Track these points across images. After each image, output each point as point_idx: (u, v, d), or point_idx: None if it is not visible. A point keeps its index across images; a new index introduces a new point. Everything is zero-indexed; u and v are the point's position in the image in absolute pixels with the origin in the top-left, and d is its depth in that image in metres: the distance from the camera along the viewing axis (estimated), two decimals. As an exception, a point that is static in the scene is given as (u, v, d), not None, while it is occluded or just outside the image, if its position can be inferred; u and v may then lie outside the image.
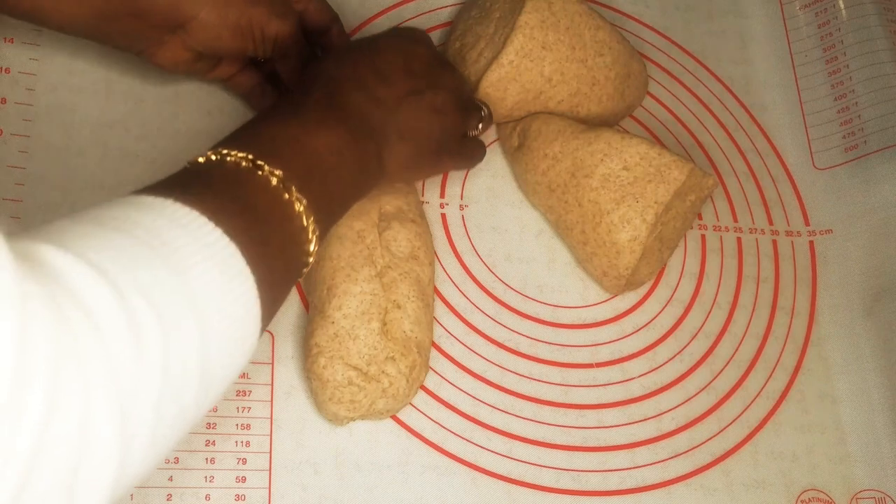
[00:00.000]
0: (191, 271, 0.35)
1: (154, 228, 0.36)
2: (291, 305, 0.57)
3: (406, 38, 0.57)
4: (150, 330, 0.32)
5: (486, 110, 0.61)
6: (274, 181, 0.42)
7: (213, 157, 0.43)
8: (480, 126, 0.61)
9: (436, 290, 0.60)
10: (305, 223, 0.43)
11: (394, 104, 0.52)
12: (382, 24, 0.67)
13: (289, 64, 0.58)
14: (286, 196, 0.42)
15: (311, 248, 0.44)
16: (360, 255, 0.55)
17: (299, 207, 0.43)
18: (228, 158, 0.42)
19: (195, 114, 0.60)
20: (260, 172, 0.42)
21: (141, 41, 0.54)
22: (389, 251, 0.56)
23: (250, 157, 0.42)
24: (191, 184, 0.41)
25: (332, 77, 0.52)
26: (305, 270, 0.45)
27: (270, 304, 0.41)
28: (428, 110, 0.54)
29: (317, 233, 0.44)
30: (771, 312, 0.66)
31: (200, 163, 0.43)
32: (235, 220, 0.38)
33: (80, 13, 0.52)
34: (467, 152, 0.61)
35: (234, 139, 0.46)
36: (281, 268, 0.42)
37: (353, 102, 0.50)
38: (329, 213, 0.47)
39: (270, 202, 0.42)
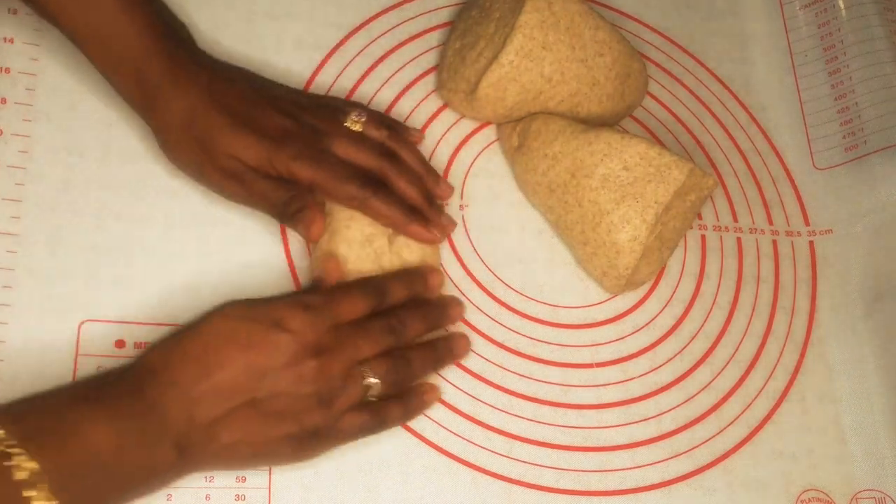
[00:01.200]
0: None
1: None
2: (291, 305, 0.57)
3: (256, 343, 0.48)
4: None
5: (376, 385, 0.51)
6: (23, 475, 0.39)
7: None
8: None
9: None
10: (29, 493, 0.39)
11: (217, 422, 0.46)
12: (382, 23, 0.67)
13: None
14: (5, 462, 0.39)
15: None
16: (368, 259, 0.56)
17: (23, 475, 0.39)
18: None
19: (195, 114, 0.60)
20: (7, 463, 0.39)
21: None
22: (400, 256, 0.57)
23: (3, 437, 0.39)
24: None
25: (152, 368, 0.46)
26: None
27: None
28: (269, 418, 0.47)
29: None
30: (771, 312, 0.66)
31: None
32: None
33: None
34: (347, 429, 0.51)
35: (23, 404, 0.43)
36: None
37: (162, 402, 0.45)
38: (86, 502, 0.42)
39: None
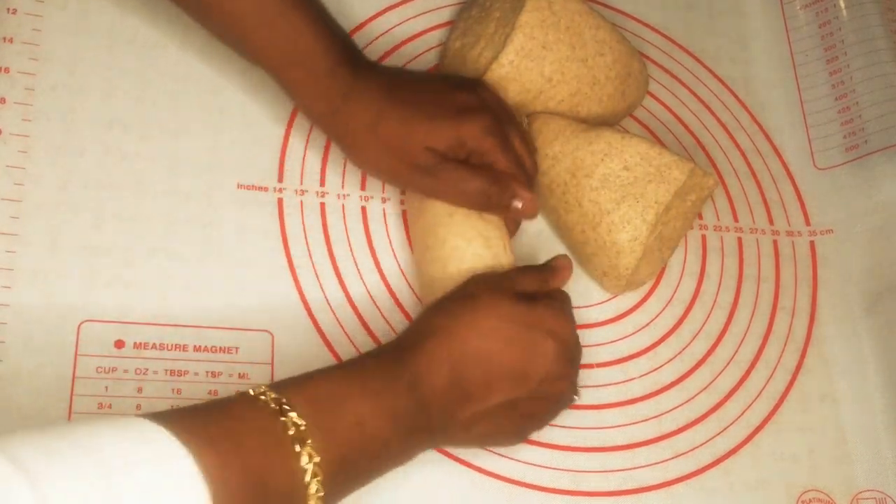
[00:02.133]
0: (117, 463, 0.34)
1: (110, 440, 0.35)
2: (290, 307, 0.57)
3: (555, 330, 0.51)
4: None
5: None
6: (292, 431, 0.40)
7: (252, 393, 0.42)
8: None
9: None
10: (308, 480, 0.40)
11: (477, 417, 0.49)
12: (382, 23, 0.67)
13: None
14: (297, 448, 0.40)
15: None
16: (487, 257, 0.56)
17: (306, 463, 0.40)
18: (262, 398, 0.41)
19: (196, 113, 0.60)
20: (283, 418, 0.41)
21: None
22: (511, 253, 0.57)
23: (283, 401, 0.41)
24: (206, 411, 0.41)
25: (429, 356, 0.48)
26: None
27: None
28: (517, 419, 0.52)
29: (321, 494, 0.41)
30: (771, 312, 0.66)
31: (242, 395, 0.42)
32: (217, 444, 0.37)
33: None
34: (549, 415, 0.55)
35: (300, 382, 0.44)
36: None
37: (434, 403, 0.47)
38: (344, 483, 0.44)
39: (275, 446, 0.40)
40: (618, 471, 0.58)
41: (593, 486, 0.57)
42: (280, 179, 0.60)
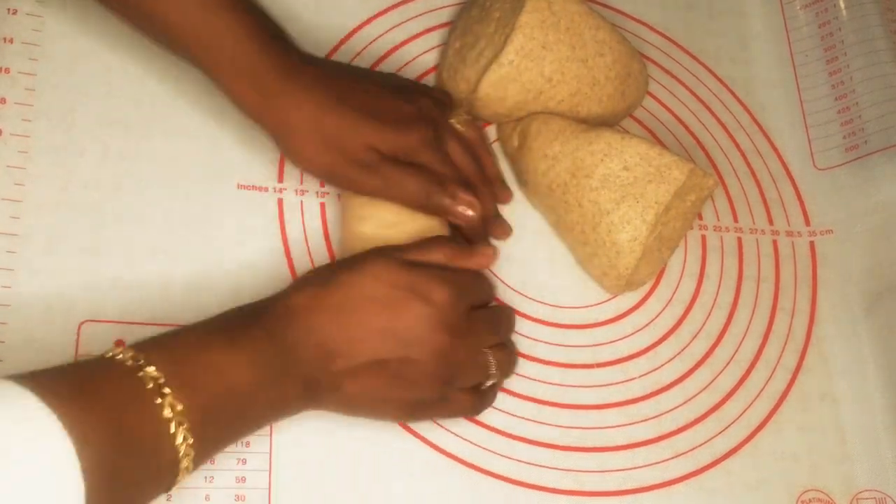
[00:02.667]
0: None
1: None
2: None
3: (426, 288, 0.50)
4: None
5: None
6: (150, 385, 0.41)
7: (109, 354, 0.43)
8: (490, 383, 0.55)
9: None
10: (173, 430, 0.41)
11: (345, 374, 0.49)
12: (383, 23, 0.67)
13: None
14: (157, 400, 0.41)
15: (182, 462, 0.42)
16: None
17: (168, 414, 0.41)
18: (118, 356, 0.42)
19: (196, 113, 0.60)
20: (140, 373, 0.42)
21: None
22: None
23: (140, 357, 0.42)
24: (70, 371, 0.42)
25: (290, 306, 0.48)
26: (175, 484, 0.43)
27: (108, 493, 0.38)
28: (389, 380, 0.50)
29: (190, 442, 0.42)
30: (771, 312, 0.66)
31: (101, 356, 0.43)
32: (76, 400, 0.38)
33: None
34: (454, 407, 0.54)
35: (160, 339, 0.45)
36: (131, 466, 0.40)
37: (297, 354, 0.47)
38: (215, 431, 0.45)
39: (134, 400, 0.41)
40: (618, 471, 0.58)
41: (593, 486, 0.57)
42: (280, 179, 0.60)
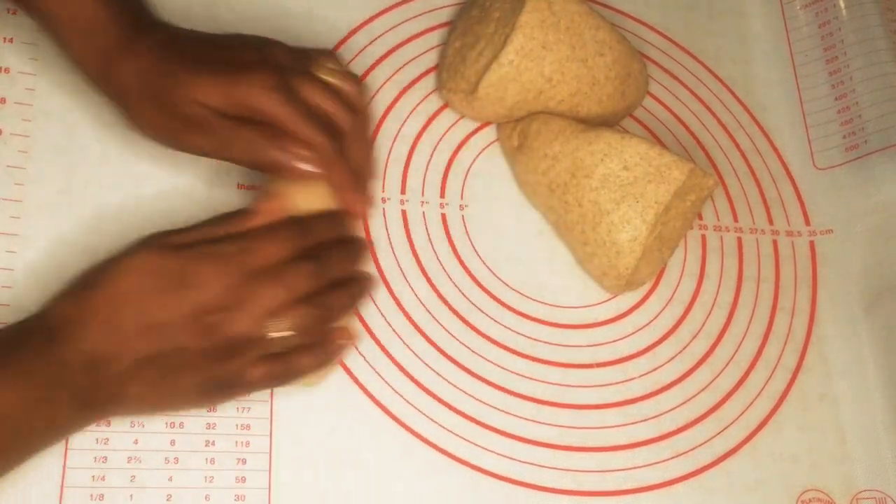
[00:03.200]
0: None
1: None
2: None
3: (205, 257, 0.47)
4: None
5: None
6: None
7: None
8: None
9: (437, 291, 0.60)
10: None
11: (121, 378, 0.45)
12: (383, 23, 0.67)
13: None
14: None
15: None
16: None
17: None
18: None
19: (195, 114, 0.60)
20: None
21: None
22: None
23: None
24: None
25: (57, 321, 0.45)
26: None
27: None
28: (174, 371, 0.46)
29: None
30: (771, 312, 0.66)
31: None
32: None
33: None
34: (250, 381, 0.49)
35: None
36: None
37: (66, 359, 0.44)
38: None
39: None
40: (618, 471, 0.58)
41: (593, 486, 0.57)
42: (280, 179, 0.60)
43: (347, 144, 0.53)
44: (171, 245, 0.48)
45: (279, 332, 0.48)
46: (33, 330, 0.46)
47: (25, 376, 0.44)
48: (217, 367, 0.47)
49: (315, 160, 0.51)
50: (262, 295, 0.47)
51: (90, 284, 0.47)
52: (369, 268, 0.58)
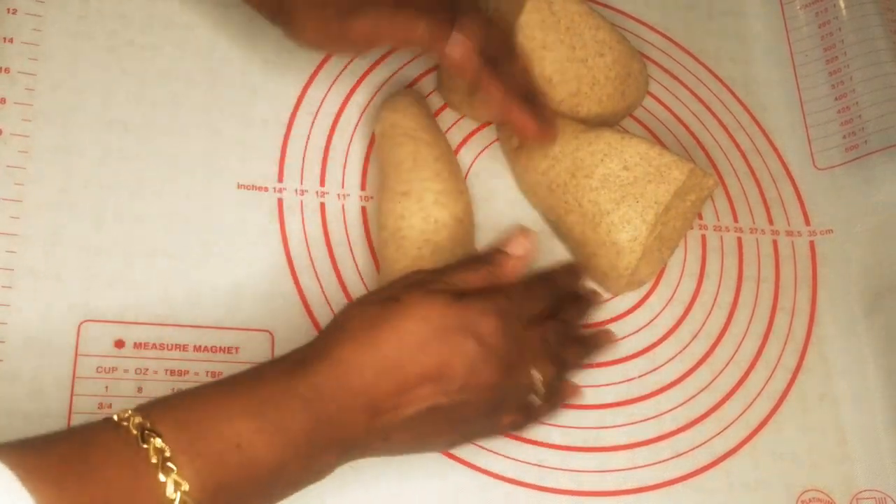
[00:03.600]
0: None
1: None
2: (290, 307, 0.57)
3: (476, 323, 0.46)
4: None
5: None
6: (154, 459, 0.37)
7: (115, 419, 0.38)
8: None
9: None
10: None
11: (394, 427, 0.45)
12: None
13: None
14: (161, 477, 0.37)
15: None
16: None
17: (171, 493, 0.36)
18: (124, 423, 0.38)
19: (196, 113, 0.60)
20: (145, 445, 0.37)
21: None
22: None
23: (147, 425, 0.37)
24: (64, 441, 0.37)
25: (331, 367, 0.43)
26: None
27: None
28: (441, 425, 0.47)
29: None
30: (771, 312, 0.66)
31: (105, 421, 0.39)
32: (65, 481, 0.34)
33: None
34: (498, 430, 0.52)
35: (171, 402, 0.40)
36: None
37: (339, 418, 0.43)
38: None
39: (133, 479, 0.36)
40: (618, 471, 0.58)
41: (593, 486, 0.57)
42: (280, 179, 0.60)
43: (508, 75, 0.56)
44: (448, 294, 0.47)
45: (537, 386, 0.50)
46: (303, 374, 0.43)
47: (292, 429, 0.41)
48: (478, 422, 0.49)
49: (469, 48, 0.53)
50: (529, 351, 0.49)
51: (371, 332, 0.45)
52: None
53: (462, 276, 0.49)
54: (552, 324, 0.52)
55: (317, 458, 0.43)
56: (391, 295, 0.47)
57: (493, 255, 0.52)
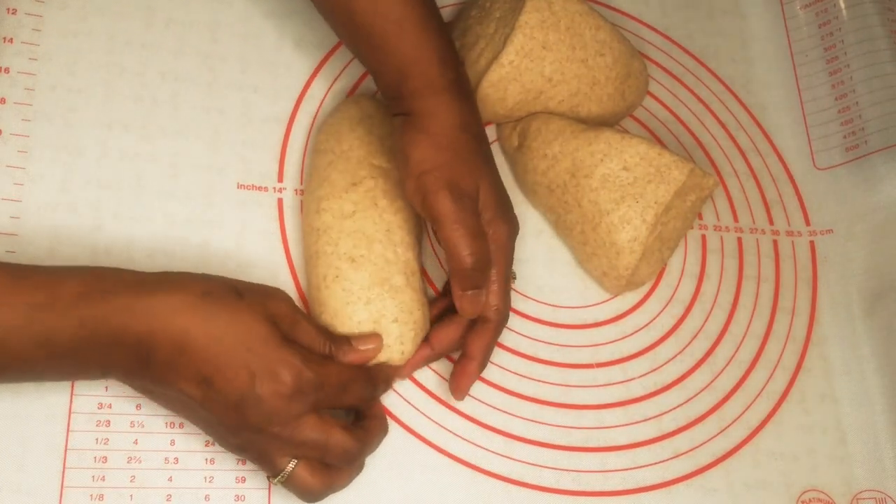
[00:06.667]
0: None
1: None
2: (291, 305, 0.57)
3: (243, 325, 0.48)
4: None
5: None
6: None
7: None
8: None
9: (436, 292, 0.60)
10: None
11: (156, 389, 0.48)
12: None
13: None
14: None
15: None
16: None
17: None
18: None
19: (196, 113, 0.60)
20: None
21: None
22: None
23: None
24: None
25: (166, 305, 0.47)
26: None
27: None
28: (197, 420, 0.49)
29: None
30: (771, 312, 0.66)
31: None
32: None
33: None
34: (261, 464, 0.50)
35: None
36: None
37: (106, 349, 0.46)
38: None
39: None
40: (618, 471, 0.58)
41: (593, 486, 0.57)
42: (280, 179, 0.60)
43: None
44: (281, 333, 0.48)
45: (277, 472, 0.49)
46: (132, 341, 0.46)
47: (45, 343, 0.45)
48: (227, 436, 0.49)
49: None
50: (305, 428, 0.48)
51: (214, 301, 0.47)
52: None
53: (308, 329, 0.51)
54: (330, 438, 0.49)
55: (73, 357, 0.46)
56: (239, 289, 0.49)
57: (342, 337, 0.53)
